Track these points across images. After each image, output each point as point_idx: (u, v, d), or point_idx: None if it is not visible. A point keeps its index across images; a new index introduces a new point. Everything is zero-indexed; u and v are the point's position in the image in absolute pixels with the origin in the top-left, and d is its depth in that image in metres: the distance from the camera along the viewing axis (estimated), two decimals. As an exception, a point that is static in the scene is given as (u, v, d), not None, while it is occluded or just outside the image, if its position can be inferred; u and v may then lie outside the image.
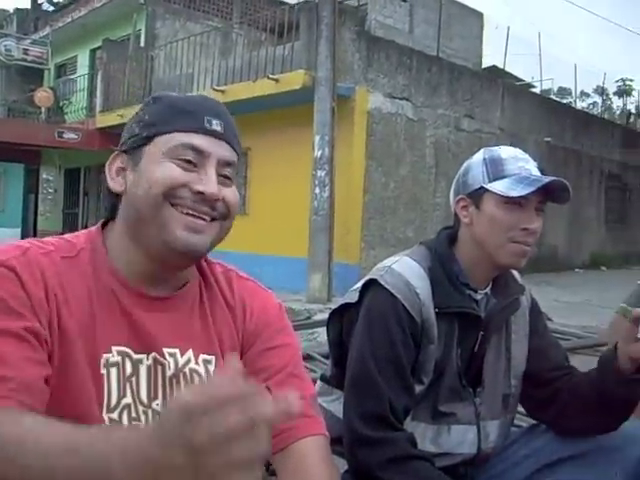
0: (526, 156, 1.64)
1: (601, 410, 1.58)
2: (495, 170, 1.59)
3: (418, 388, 1.56)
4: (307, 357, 3.24)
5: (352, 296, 1.62)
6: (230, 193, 1.17)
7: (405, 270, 1.57)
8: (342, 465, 1.55)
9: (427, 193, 12.27)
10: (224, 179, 1.17)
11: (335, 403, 1.62)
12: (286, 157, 11.55)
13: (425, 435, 1.59)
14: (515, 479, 1.69)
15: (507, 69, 20.86)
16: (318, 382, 1.76)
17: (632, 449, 1.56)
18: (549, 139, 15.53)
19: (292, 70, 10.72)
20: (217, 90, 11.74)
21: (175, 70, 13.71)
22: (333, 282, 9.69)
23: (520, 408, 1.82)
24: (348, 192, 10.76)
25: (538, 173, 1.59)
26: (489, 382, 1.67)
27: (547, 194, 1.59)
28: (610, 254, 17.17)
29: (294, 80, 10.50)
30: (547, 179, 1.54)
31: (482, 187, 1.59)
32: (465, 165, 1.68)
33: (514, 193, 1.53)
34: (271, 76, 10.86)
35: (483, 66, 19.01)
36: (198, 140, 1.14)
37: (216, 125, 1.17)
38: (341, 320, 1.65)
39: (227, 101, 11.48)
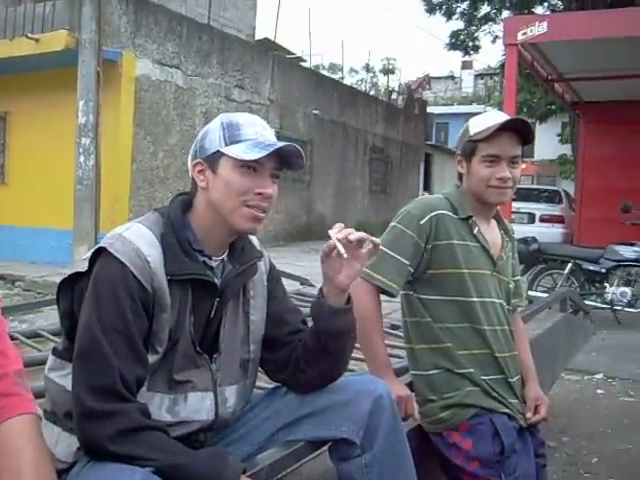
0: (263, 123, 1.67)
1: (325, 352, 1.68)
2: (232, 134, 1.60)
3: (152, 358, 1.53)
4: (37, 335, 3.05)
5: (82, 265, 1.55)
6: None
7: (136, 237, 1.52)
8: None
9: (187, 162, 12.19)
10: None
11: (68, 377, 1.52)
12: (49, 123, 10.89)
13: (162, 405, 1.57)
14: (255, 441, 1.72)
15: (280, 42, 21.18)
16: (50, 356, 1.67)
17: (362, 402, 1.65)
18: (317, 112, 16.05)
19: (53, 30, 10.09)
20: (-32, 47, 10.77)
21: None
22: (100, 254, 9.33)
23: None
24: (115, 161, 10.40)
25: (274, 140, 1.62)
26: (226, 348, 1.68)
27: (282, 161, 1.63)
28: (374, 222, 18.18)
29: (55, 41, 9.89)
30: (280, 144, 1.57)
31: (218, 151, 1.59)
32: (203, 130, 1.67)
33: (248, 157, 1.55)
34: (30, 35, 10.15)
35: (257, 38, 19.15)
36: None
37: None
38: (72, 290, 1.59)
39: (-20, 60, 10.59)
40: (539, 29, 7.62)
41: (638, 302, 7.95)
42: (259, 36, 19.57)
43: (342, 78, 26.84)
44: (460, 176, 2.30)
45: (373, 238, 1.63)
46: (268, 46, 17.81)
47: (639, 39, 7.90)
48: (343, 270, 1.63)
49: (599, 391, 5.50)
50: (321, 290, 1.70)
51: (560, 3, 17.05)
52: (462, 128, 2.31)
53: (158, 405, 1.56)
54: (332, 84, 18.59)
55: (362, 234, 1.61)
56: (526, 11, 16.59)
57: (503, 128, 2.13)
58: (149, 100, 11.22)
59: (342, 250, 1.58)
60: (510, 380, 2.21)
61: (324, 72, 28.32)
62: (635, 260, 8.11)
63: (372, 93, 29.53)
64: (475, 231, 2.22)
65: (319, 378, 1.72)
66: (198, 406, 1.63)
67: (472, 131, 2.21)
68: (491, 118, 2.21)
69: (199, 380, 1.63)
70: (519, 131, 2.17)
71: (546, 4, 17.73)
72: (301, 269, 7.42)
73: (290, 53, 20.87)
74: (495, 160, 2.16)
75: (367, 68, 39.05)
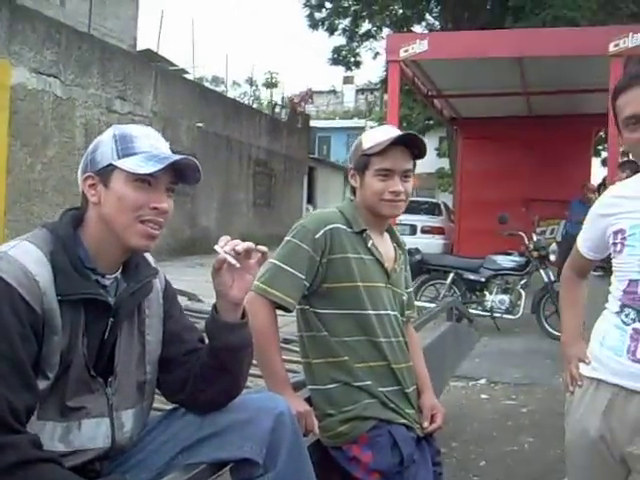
0: (158, 135, 1.63)
1: (223, 369, 1.66)
2: (125, 147, 1.54)
3: (43, 384, 1.44)
4: None
5: None
6: None
7: (22, 256, 1.43)
8: None
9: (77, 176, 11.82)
10: None
11: None
12: None
13: (54, 434, 1.48)
14: (154, 467, 1.65)
15: (163, 53, 20.88)
16: None
17: (263, 420, 1.62)
18: (201, 124, 15.90)
19: None
20: None
21: None
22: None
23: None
24: (-12, 173, 9.91)
25: (169, 152, 1.59)
26: (122, 370, 1.61)
27: (178, 175, 1.59)
28: (258, 235, 18.13)
29: None
30: (176, 157, 1.53)
31: (111, 164, 1.53)
32: (95, 142, 1.60)
33: (143, 170, 1.50)
34: None
35: (138, 48, 18.78)
36: None
37: None
38: None
39: None
40: (420, 47, 7.87)
41: (515, 309, 8.30)
42: (141, 47, 19.23)
43: (225, 91, 26.73)
44: (353, 190, 2.31)
45: (260, 247, 1.62)
46: (150, 57, 17.53)
47: (510, 59, 8.37)
48: (235, 283, 1.61)
49: (483, 396, 5.69)
50: (215, 307, 1.66)
51: (437, 23, 17.69)
52: (355, 142, 2.32)
53: (50, 435, 1.47)
54: (216, 97, 18.48)
55: (249, 244, 1.59)
56: (405, 29, 17.10)
57: (396, 142, 2.16)
58: (25, 110, 10.75)
59: (234, 261, 1.56)
60: (406, 391, 2.24)
61: (207, 84, 28.09)
62: (512, 269, 8.47)
63: (255, 106, 29.54)
64: (369, 244, 2.23)
65: (218, 396, 1.68)
66: (93, 433, 1.55)
67: (365, 145, 2.22)
68: (384, 132, 2.23)
69: (94, 406, 1.55)
70: (411, 146, 2.21)
71: (424, 23, 18.33)
72: (187, 284, 7.31)
73: (173, 65, 20.62)
74: (388, 174, 2.18)
75: (250, 81, 39.05)
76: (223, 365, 1.65)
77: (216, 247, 1.58)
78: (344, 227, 2.21)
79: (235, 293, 1.62)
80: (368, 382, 2.16)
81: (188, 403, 1.71)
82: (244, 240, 1.63)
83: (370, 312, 2.18)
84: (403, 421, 2.17)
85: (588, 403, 1.96)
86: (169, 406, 1.81)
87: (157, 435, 1.70)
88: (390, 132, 2.22)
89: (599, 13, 13.26)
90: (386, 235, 2.37)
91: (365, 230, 2.23)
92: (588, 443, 1.94)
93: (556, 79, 9.38)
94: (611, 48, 7.40)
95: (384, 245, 2.32)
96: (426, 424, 2.25)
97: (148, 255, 1.73)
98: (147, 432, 1.71)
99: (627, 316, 1.91)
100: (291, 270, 2.12)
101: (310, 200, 24.62)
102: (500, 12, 15.68)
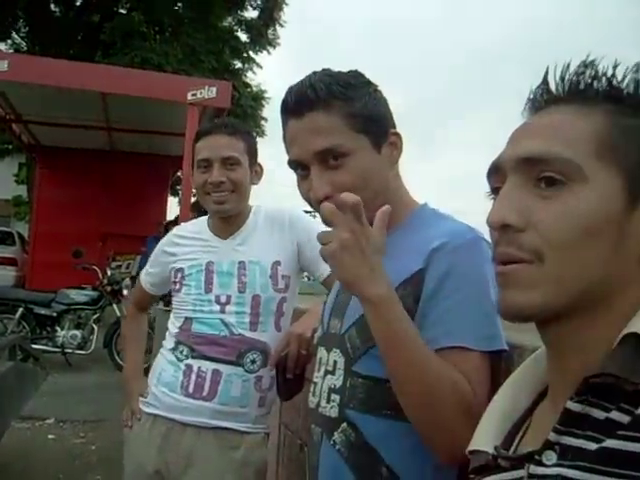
0: None
1: None
2: None
3: None
4: None
5: None
6: None
7: None
8: None
9: None
10: None
11: None
12: None
13: None
14: None
15: None
16: None
17: None
18: None
19: None
20: None
21: None
22: None
23: None
24: None
25: None
26: None
27: None
28: None
29: None
30: None
31: None
32: None
33: None
34: None
35: None
36: None
37: None
38: None
39: None
40: (-1, 67, 7.45)
41: (88, 344, 8.22)
42: None
43: None
44: None
45: None
46: None
47: (94, 93, 8.40)
48: None
49: (50, 436, 5.49)
50: None
51: (24, 44, 16.92)
52: None
53: None
54: None
55: None
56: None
57: None
58: None
59: None
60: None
61: None
62: (85, 303, 8.40)
63: None
64: None
65: None
66: None
67: None
68: None
69: None
70: None
71: (10, 41, 17.36)
72: None
73: None
74: None
75: None
76: None
77: None
78: None
79: None
80: None
81: None
82: None
83: None
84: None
85: (145, 438, 2.04)
86: None
87: None
88: None
89: (184, 63, 14.04)
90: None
91: None
92: (144, 477, 2.01)
93: (138, 119, 9.64)
94: (189, 97, 7.88)
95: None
96: None
97: None
98: None
99: (181, 353, 2.04)
100: None
101: None
102: (91, 45, 15.63)
